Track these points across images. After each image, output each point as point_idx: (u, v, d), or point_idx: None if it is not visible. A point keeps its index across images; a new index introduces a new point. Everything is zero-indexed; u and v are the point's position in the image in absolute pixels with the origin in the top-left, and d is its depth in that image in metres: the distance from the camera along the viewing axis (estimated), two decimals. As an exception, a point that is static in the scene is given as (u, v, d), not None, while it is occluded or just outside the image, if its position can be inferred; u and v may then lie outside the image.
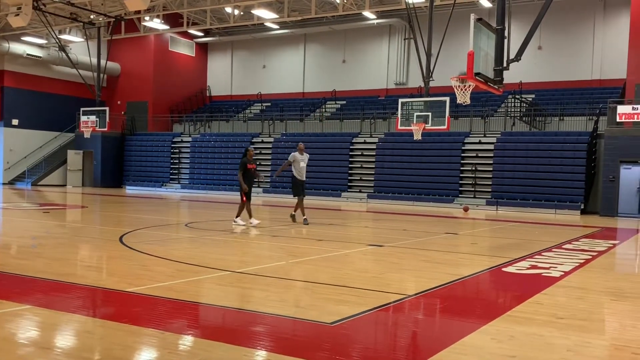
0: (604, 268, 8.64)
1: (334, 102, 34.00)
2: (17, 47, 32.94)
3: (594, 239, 12.92)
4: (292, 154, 13.82)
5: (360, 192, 27.80)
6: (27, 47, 33.57)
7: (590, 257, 9.49)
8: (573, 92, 28.11)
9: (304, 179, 13.83)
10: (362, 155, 28.39)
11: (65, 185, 34.20)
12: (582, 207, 22.75)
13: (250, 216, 12.99)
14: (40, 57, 34.08)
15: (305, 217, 13.73)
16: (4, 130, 33.74)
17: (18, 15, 23.92)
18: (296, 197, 13.90)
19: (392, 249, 9.98)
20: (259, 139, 31.39)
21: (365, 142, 28.48)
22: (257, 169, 14.30)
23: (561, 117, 26.07)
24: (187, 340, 4.25)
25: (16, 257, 8.28)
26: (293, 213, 14.09)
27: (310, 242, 10.56)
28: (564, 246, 10.96)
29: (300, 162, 13.68)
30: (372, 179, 27.69)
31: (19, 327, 4.48)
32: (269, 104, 35.97)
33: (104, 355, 3.85)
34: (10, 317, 4.70)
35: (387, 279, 7.07)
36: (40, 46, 34.37)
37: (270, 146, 30.47)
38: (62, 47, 31.94)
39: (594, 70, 28.25)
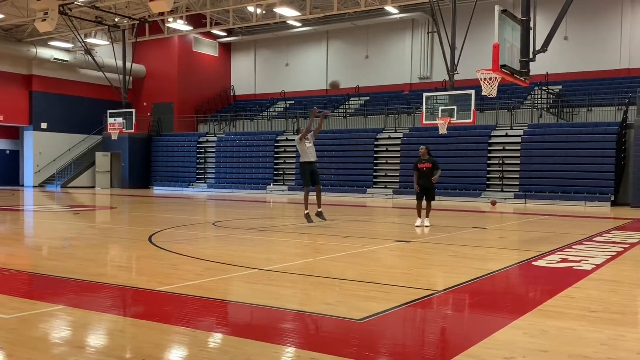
0: (637, 260, 8.47)
1: (357, 98, 33.92)
2: (44, 52, 33.54)
3: (626, 230, 12.69)
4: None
5: (385, 187, 27.71)
6: (54, 51, 34.14)
7: (622, 249, 9.32)
8: (601, 82, 27.63)
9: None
10: (386, 150, 28.29)
11: (94, 186, 34.71)
12: (613, 198, 22.39)
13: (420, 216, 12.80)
14: (67, 61, 34.64)
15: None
16: (33, 134, 34.40)
17: (45, 20, 24.35)
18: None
19: (419, 244, 9.93)
20: (283, 137, 31.47)
21: (389, 138, 28.36)
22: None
23: (589, 108, 25.64)
24: (217, 338, 4.28)
25: (48, 258, 8.42)
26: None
27: (337, 239, 10.55)
28: (594, 239, 10.79)
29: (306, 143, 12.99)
30: (398, 174, 27.58)
31: (52, 327, 4.55)
32: (293, 102, 36.04)
33: (136, 353, 3.89)
34: (45, 317, 4.78)
35: (415, 275, 7.03)
36: (66, 50, 34.93)
37: (295, 144, 30.46)
38: (88, 50, 32.39)
39: (622, 59, 27.73)
